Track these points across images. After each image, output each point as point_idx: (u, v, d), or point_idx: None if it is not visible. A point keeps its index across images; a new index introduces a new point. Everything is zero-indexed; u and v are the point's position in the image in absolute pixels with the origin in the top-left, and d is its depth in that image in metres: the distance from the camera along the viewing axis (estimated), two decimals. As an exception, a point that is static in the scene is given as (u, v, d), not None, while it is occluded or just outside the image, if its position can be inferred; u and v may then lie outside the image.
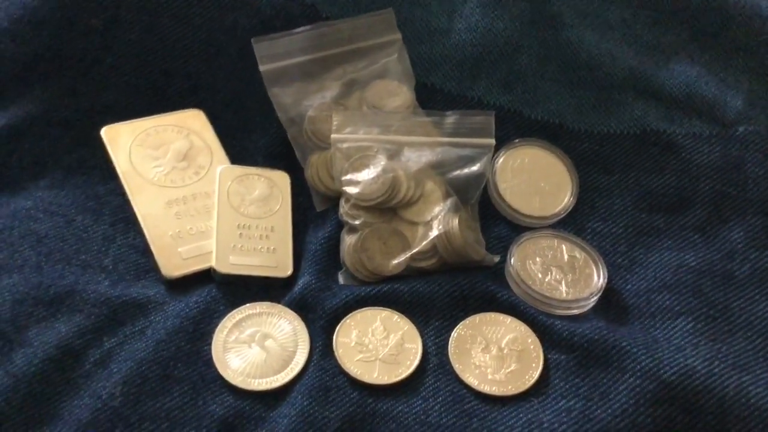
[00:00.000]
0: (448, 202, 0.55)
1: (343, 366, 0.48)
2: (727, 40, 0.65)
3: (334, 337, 0.49)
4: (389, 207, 0.55)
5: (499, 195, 0.58)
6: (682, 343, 0.49)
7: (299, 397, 0.47)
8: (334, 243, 0.55)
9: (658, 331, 0.50)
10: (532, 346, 0.50)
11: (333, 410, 0.46)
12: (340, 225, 0.55)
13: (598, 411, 0.46)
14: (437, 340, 0.50)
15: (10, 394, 0.45)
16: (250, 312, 0.51)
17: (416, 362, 0.49)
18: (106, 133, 0.58)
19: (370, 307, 0.51)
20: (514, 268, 0.53)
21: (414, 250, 0.53)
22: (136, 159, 0.57)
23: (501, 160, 0.59)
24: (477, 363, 0.49)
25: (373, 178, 0.55)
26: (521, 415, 0.46)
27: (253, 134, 0.61)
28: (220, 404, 0.46)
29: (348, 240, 0.54)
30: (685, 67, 0.64)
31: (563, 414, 0.46)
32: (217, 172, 0.57)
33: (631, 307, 0.52)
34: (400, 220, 0.55)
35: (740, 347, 0.49)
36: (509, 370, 0.48)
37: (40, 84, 0.60)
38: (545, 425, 0.45)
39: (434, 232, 0.54)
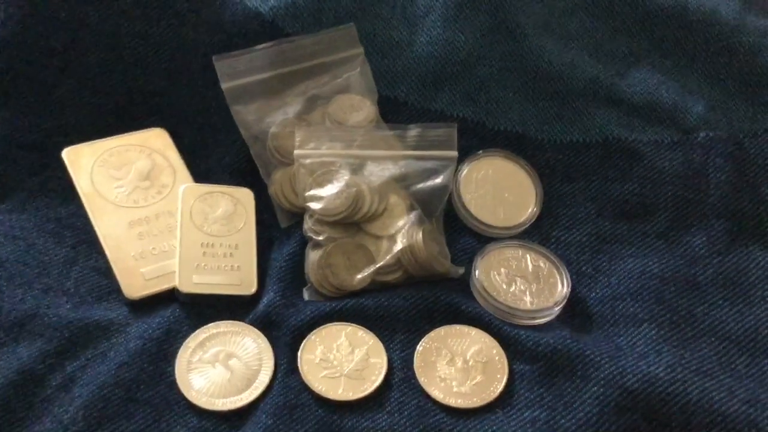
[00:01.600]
0: (412, 215, 0.55)
1: (307, 383, 0.48)
2: (687, 47, 0.65)
3: (299, 353, 0.49)
4: (353, 222, 0.55)
5: (464, 206, 0.58)
6: (646, 350, 0.49)
7: (264, 416, 0.46)
8: (299, 259, 0.55)
9: (622, 338, 0.50)
10: (497, 357, 0.50)
11: (298, 428, 0.46)
12: (304, 241, 0.55)
13: (563, 420, 0.46)
14: (402, 354, 0.50)
15: (-30, 421, 0.45)
16: (214, 331, 0.50)
17: (381, 377, 0.48)
18: (68, 154, 0.58)
19: (335, 323, 0.51)
20: (478, 280, 0.53)
21: (378, 264, 0.53)
22: (98, 180, 0.57)
23: (465, 171, 0.59)
24: (442, 376, 0.49)
25: (336, 193, 0.54)
26: (486, 427, 0.46)
27: (217, 152, 0.61)
28: (183, 426, 0.46)
29: (312, 256, 0.54)
30: (646, 75, 0.64)
31: (528, 425, 0.46)
32: (180, 191, 0.57)
33: (595, 315, 0.52)
34: (364, 235, 0.55)
35: (703, 353, 0.49)
36: (474, 382, 0.48)
37: (0, 106, 0.59)
38: (510, 436, 0.46)
39: (398, 246, 0.53)
